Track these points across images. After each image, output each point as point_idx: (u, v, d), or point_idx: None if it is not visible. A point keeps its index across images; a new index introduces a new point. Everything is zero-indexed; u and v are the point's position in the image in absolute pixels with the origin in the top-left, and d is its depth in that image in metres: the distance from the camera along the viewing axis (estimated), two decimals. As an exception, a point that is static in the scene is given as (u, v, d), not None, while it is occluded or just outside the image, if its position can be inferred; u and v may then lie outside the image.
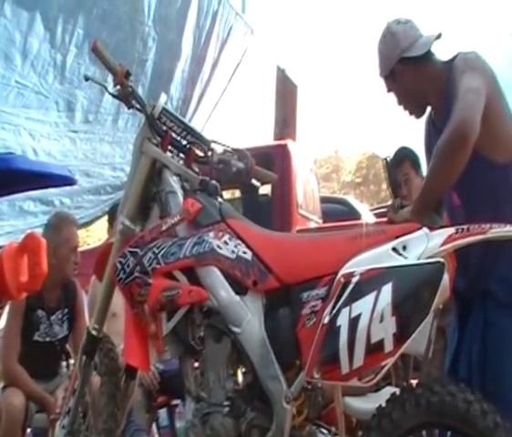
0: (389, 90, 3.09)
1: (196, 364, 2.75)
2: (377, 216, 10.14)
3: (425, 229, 2.38)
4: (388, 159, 2.98)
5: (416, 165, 4.60)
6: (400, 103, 3.07)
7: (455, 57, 2.84)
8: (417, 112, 3.05)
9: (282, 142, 7.85)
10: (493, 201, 2.73)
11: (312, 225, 7.60)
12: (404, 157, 4.61)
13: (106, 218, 5.54)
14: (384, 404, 2.44)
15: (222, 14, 7.22)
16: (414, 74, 2.93)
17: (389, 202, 3.23)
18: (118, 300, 3.12)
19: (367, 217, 9.64)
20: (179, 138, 2.91)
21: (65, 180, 5.10)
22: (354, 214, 9.52)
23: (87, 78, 3.11)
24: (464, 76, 2.69)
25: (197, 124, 7.52)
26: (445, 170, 2.60)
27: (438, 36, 2.95)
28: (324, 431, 2.70)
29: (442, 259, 2.26)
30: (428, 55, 2.95)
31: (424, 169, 4.47)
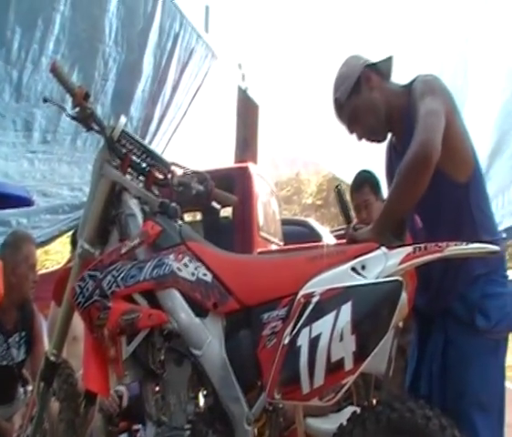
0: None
1: (157, 388, 2.72)
2: (338, 238, 10.20)
3: (384, 249, 2.41)
4: (340, 188, 2.97)
5: (376, 189, 4.61)
6: (363, 126, 2.97)
7: (413, 81, 2.88)
8: (380, 132, 2.99)
9: (243, 164, 7.86)
10: (454, 220, 2.76)
11: (274, 247, 7.61)
12: (364, 182, 4.63)
13: (64, 238, 5.48)
14: (344, 423, 2.45)
15: (183, 36, 7.23)
16: (378, 86, 2.93)
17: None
18: (78, 324, 3.08)
19: (328, 239, 9.69)
20: (138, 161, 2.90)
21: (22, 201, 5.05)
22: (315, 236, 9.55)
23: (45, 100, 3.08)
24: (424, 98, 2.71)
25: (157, 146, 7.51)
26: (407, 191, 2.59)
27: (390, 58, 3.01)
28: (286, 452, 2.70)
29: (400, 278, 2.28)
30: (389, 76, 2.99)
31: (385, 193, 4.54)
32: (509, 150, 5.18)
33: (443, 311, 2.80)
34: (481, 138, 5.56)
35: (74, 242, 4.82)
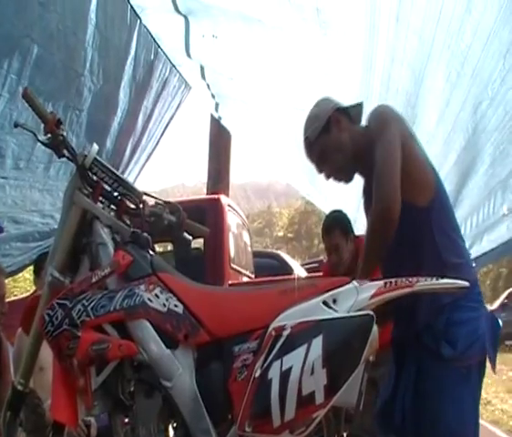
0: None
1: (126, 419, 2.69)
2: (309, 271, 10.25)
3: (355, 283, 2.42)
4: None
5: (347, 230, 4.66)
6: (331, 165, 3.07)
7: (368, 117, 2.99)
8: (346, 172, 3.09)
9: (215, 196, 7.88)
10: (416, 243, 2.81)
11: (245, 279, 7.61)
12: (334, 225, 4.68)
13: (33, 266, 5.41)
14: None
15: (158, 66, 7.24)
16: (347, 128, 3.03)
17: (320, 257, 3.30)
18: (46, 354, 3.04)
19: (299, 271, 9.72)
20: (110, 189, 2.88)
21: None
22: (286, 269, 9.58)
23: (16, 125, 3.06)
24: (379, 138, 2.78)
25: (129, 175, 7.49)
26: (377, 246, 2.76)
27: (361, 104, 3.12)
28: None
29: (371, 312, 2.29)
30: (359, 120, 3.10)
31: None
32: (484, 167, 5.26)
33: (414, 341, 2.82)
34: (453, 159, 5.64)
35: (37, 270, 4.78)
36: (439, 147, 5.74)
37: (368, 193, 2.98)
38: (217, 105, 8.20)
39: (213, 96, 7.80)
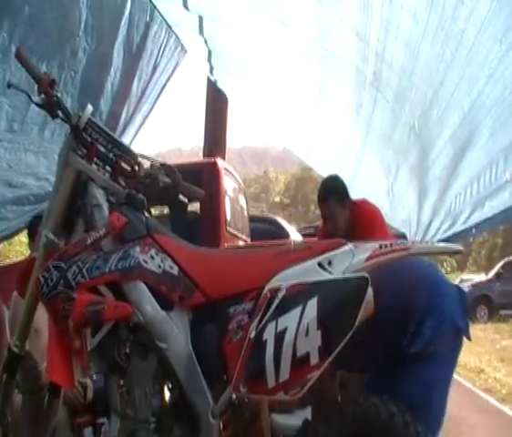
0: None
1: (121, 381, 2.70)
2: (305, 236, 10.24)
3: (350, 245, 2.41)
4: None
5: (342, 199, 4.65)
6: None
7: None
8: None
9: (211, 159, 7.84)
10: None
11: (241, 243, 7.60)
12: (330, 194, 4.66)
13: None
14: (309, 418, 2.46)
15: (153, 27, 7.17)
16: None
17: (317, 223, 3.41)
18: (41, 316, 3.04)
19: (295, 236, 9.71)
20: (105, 151, 2.86)
21: None
22: (283, 233, 9.57)
23: (9, 85, 3.03)
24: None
25: (125, 139, 7.44)
26: None
27: None
28: (251, 446, 2.70)
29: (366, 275, 2.29)
30: None
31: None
32: (482, 140, 5.31)
33: None
34: (447, 134, 5.67)
35: (31, 233, 4.75)
36: (433, 123, 5.80)
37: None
38: (212, 68, 8.13)
39: (210, 55, 7.73)
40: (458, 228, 6.34)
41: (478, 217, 6.14)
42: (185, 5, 6.67)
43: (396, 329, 2.90)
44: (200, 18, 6.95)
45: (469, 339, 3.08)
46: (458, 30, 4.43)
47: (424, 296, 2.96)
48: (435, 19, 4.53)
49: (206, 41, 7.37)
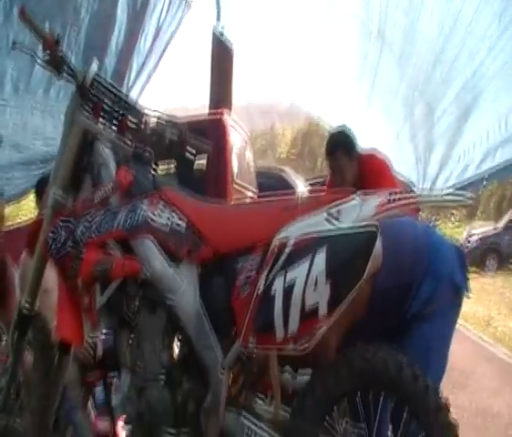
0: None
1: (131, 337, 2.72)
2: (312, 186, 10.19)
3: (359, 197, 2.40)
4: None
5: (350, 151, 4.62)
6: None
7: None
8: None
9: (217, 114, 7.78)
10: None
11: (248, 197, 7.57)
12: (337, 146, 4.63)
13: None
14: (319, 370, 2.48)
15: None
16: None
17: (324, 174, 3.44)
18: (50, 276, 3.05)
19: (303, 189, 9.67)
20: (111, 108, 2.84)
21: None
22: (290, 187, 9.52)
23: (14, 44, 3.01)
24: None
25: (132, 95, 7.40)
26: None
27: None
28: (260, 398, 2.72)
29: (375, 226, 2.28)
30: None
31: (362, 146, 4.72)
32: (487, 103, 5.32)
33: None
34: (452, 95, 5.68)
35: (38, 193, 4.75)
36: (437, 84, 5.80)
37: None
38: (219, 13, 8.05)
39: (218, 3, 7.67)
40: (469, 175, 6.31)
41: (489, 165, 6.14)
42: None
43: (396, 301, 2.89)
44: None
45: (468, 296, 3.06)
46: (454, 10, 4.63)
47: (422, 259, 2.94)
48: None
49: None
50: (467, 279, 3.03)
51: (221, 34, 8.68)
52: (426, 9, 4.83)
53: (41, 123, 6.60)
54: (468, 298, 3.09)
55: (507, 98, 5.01)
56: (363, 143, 5.33)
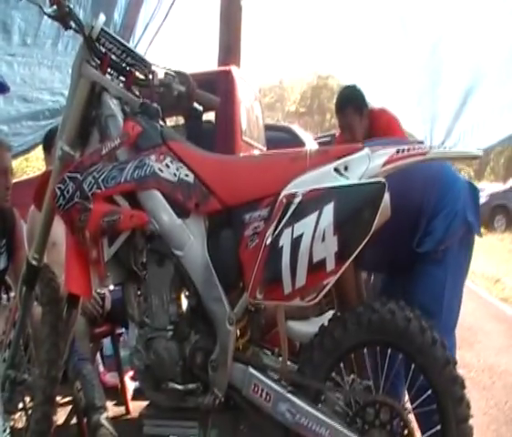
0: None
1: (139, 290, 2.73)
2: (321, 144, 10.18)
3: (367, 150, 2.39)
4: None
5: (360, 108, 4.57)
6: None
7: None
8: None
9: (226, 68, 7.73)
10: None
11: (256, 152, 7.55)
12: (347, 103, 4.60)
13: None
14: (326, 324, 2.49)
15: None
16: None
17: (333, 131, 3.41)
18: (58, 230, 3.06)
19: (311, 145, 9.65)
20: (118, 60, 2.82)
21: None
22: (299, 142, 9.50)
23: None
24: None
25: (140, 49, 7.36)
26: None
27: None
28: (268, 352, 2.73)
29: (383, 179, 2.27)
30: None
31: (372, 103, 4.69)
32: (491, 85, 5.43)
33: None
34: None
35: (46, 147, 4.74)
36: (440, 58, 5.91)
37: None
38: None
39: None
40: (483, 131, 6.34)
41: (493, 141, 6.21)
42: None
43: (408, 227, 2.90)
44: None
45: (480, 235, 3.10)
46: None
47: (434, 193, 2.95)
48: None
49: None
50: (479, 219, 3.02)
51: None
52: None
53: (49, 76, 6.58)
54: (480, 237, 3.13)
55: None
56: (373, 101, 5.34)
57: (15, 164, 5.85)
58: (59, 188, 2.63)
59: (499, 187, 24.45)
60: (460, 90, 5.87)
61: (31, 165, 17.70)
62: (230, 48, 9.95)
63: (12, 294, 4.22)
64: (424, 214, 2.92)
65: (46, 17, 2.84)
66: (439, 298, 2.92)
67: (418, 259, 2.94)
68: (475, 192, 3.09)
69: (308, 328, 3.05)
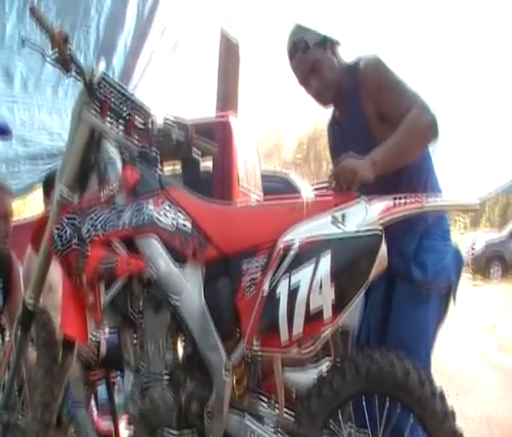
0: (308, 64, 3.01)
1: (135, 336, 2.72)
2: (318, 191, 10.18)
3: (364, 200, 2.40)
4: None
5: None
6: (321, 81, 3.02)
7: (357, 62, 2.99)
8: (330, 96, 3.08)
9: (224, 116, 7.79)
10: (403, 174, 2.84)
11: (254, 200, 7.56)
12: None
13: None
14: (324, 373, 2.48)
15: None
16: (337, 57, 3.07)
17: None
18: (55, 273, 3.07)
19: (308, 193, 9.67)
20: (118, 106, 2.84)
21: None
22: (295, 190, 9.52)
23: (23, 41, 3.01)
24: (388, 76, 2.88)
25: (138, 95, 7.42)
26: (416, 149, 2.77)
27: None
28: (264, 400, 2.71)
29: (380, 230, 2.28)
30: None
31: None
32: None
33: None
34: None
35: (46, 190, 4.76)
36: None
37: (339, 130, 3.15)
38: (229, 16, 8.08)
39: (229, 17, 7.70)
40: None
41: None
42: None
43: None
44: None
45: (455, 299, 3.02)
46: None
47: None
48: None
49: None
50: (458, 285, 3.01)
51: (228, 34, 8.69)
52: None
53: (48, 120, 6.61)
54: (454, 305, 3.06)
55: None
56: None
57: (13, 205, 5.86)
58: (57, 231, 2.64)
59: (495, 235, 24.50)
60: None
61: (28, 207, 17.71)
62: (227, 96, 10.03)
63: (6, 335, 4.21)
64: (418, 227, 2.91)
65: (47, 64, 2.87)
66: (424, 340, 2.91)
67: (407, 290, 2.91)
68: (460, 260, 3.09)
69: (305, 376, 3.04)
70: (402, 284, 2.91)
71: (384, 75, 2.89)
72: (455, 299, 3.00)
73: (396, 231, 2.66)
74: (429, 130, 2.73)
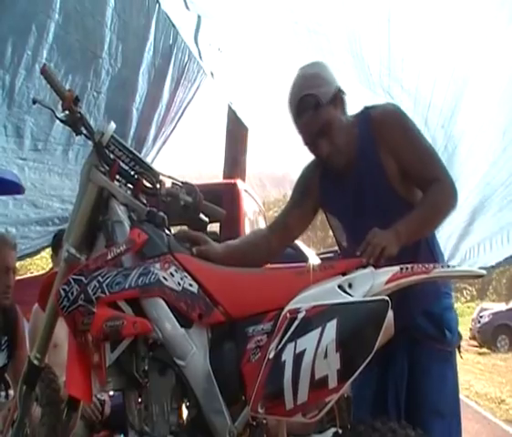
0: (322, 131, 2.75)
1: (139, 397, 2.70)
2: (323, 260, 10.20)
3: (371, 267, 2.41)
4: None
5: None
6: (332, 142, 2.77)
7: (364, 112, 2.90)
8: (342, 158, 2.83)
9: (232, 181, 7.86)
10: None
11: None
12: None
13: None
14: (328, 441, 2.46)
15: (176, 53, 7.22)
16: (345, 113, 2.85)
17: (335, 248, 3.15)
18: (61, 332, 3.06)
19: (315, 260, 9.68)
20: (127, 168, 2.88)
21: (12, 187, 5.01)
22: (302, 257, 9.52)
23: (35, 101, 3.06)
24: (409, 131, 2.81)
25: (147, 159, 7.50)
26: (440, 218, 2.76)
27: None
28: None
29: (386, 298, 2.28)
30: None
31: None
32: (491, 212, 5.52)
33: (404, 329, 2.71)
34: (464, 195, 5.79)
35: (55, 248, 4.78)
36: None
37: (334, 184, 2.93)
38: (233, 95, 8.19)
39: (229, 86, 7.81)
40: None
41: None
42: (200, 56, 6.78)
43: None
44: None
45: (460, 353, 3.04)
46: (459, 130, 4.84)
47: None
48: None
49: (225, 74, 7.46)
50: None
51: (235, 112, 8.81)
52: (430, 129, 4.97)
53: (59, 183, 6.68)
54: None
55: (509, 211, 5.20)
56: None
57: (18, 264, 5.88)
58: (64, 289, 2.65)
59: (502, 306, 24.38)
60: (468, 209, 5.93)
61: (35, 263, 17.74)
62: (235, 161, 10.13)
63: (10, 392, 4.18)
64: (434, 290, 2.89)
65: (57, 123, 2.92)
66: (455, 400, 2.90)
67: (425, 349, 2.86)
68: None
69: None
70: (429, 346, 2.86)
71: (406, 128, 2.80)
72: (460, 353, 3.01)
73: (419, 292, 2.68)
74: (452, 206, 2.73)
